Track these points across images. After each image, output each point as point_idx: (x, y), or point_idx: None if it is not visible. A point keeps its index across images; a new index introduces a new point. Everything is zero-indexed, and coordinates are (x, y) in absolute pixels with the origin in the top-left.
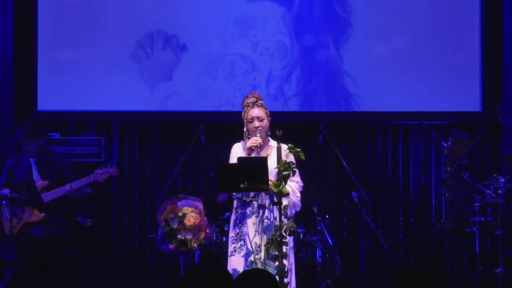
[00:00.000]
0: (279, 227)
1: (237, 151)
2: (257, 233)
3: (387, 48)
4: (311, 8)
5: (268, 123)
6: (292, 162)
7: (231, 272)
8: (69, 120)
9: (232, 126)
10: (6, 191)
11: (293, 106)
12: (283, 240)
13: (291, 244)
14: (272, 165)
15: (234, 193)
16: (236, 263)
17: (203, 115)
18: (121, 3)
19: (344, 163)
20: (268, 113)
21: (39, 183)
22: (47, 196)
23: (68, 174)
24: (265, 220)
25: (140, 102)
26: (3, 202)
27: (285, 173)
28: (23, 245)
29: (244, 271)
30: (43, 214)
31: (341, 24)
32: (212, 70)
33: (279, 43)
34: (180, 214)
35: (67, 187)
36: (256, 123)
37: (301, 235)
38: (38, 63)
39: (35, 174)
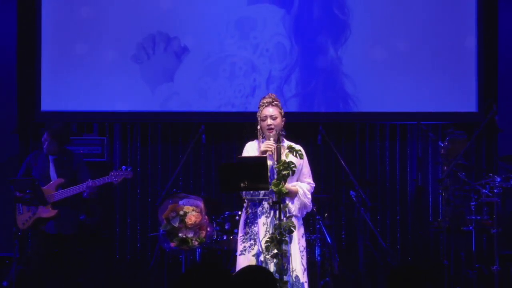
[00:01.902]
0: (279, 226)
1: (249, 150)
2: (267, 233)
3: (385, 49)
4: (310, 10)
5: (282, 123)
6: (291, 162)
7: None
8: (72, 120)
9: (233, 126)
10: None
11: (293, 106)
12: (283, 238)
13: (304, 243)
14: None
15: (244, 193)
16: (245, 262)
17: (203, 116)
18: (123, 5)
19: (342, 162)
20: (282, 113)
21: (55, 180)
22: (61, 194)
23: (83, 174)
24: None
25: (141, 103)
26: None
27: (284, 172)
28: (34, 241)
29: (242, 269)
30: (55, 211)
31: (340, 26)
32: (212, 71)
33: (278, 45)
34: (181, 212)
35: (83, 185)
36: (269, 121)
37: None
38: (41, 63)
39: (52, 172)
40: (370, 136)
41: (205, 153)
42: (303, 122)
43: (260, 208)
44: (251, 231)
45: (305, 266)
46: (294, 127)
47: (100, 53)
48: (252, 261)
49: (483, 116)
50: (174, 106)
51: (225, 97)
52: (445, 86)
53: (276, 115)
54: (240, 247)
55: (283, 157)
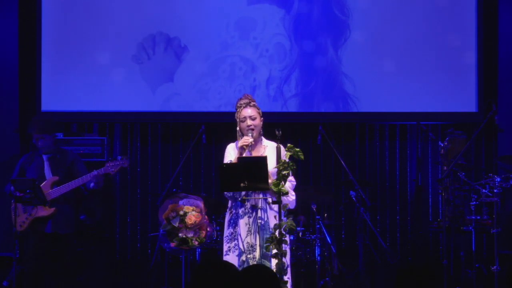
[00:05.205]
0: (279, 226)
1: (230, 151)
2: (249, 233)
3: (385, 49)
4: (310, 10)
5: (261, 122)
6: (291, 162)
7: None
8: (72, 120)
9: (233, 126)
10: (12, 188)
11: (292, 106)
12: (283, 238)
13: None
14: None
15: (226, 192)
16: (230, 262)
17: (204, 116)
18: (123, 5)
19: (342, 162)
20: (260, 113)
21: (50, 178)
22: (57, 191)
23: (80, 168)
24: (259, 221)
25: (142, 103)
26: (12, 200)
27: (284, 172)
28: (31, 240)
29: (246, 267)
30: (52, 209)
31: (340, 26)
32: (212, 72)
33: (278, 45)
34: (181, 212)
35: (80, 180)
36: (249, 122)
37: (300, 233)
38: (42, 64)
39: (47, 170)
40: (369, 136)
41: (205, 153)
42: (303, 122)
43: (242, 209)
44: (235, 232)
45: (289, 263)
46: (294, 127)
47: (101, 53)
48: (235, 261)
49: (483, 116)
50: (175, 106)
51: (225, 97)
52: (445, 86)
53: (255, 116)
54: (225, 247)
55: (260, 154)
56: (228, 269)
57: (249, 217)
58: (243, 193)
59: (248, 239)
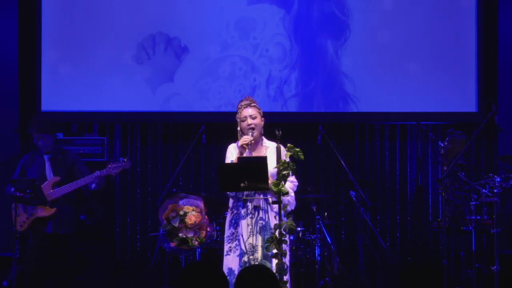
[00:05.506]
0: (279, 226)
1: (232, 151)
2: (251, 234)
3: (385, 49)
4: (310, 10)
5: (262, 122)
6: (291, 162)
7: (226, 271)
8: (72, 120)
9: (233, 126)
10: (13, 188)
11: (292, 106)
12: (283, 238)
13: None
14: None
15: (228, 192)
16: (231, 262)
17: (204, 116)
18: (123, 5)
19: (342, 162)
20: (261, 113)
21: (51, 178)
22: (58, 191)
23: (81, 168)
24: (260, 221)
25: (142, 103)
26: (12, 200)
27: (284, 172)
28: (32, 241)
29: (246, 267)
30: (53, 209)
31: (340, 26)
32: (212, 72)
33: (278, 45)
34: (181, 212)
35: (82, 180)
36: (249, 121)
37: (300, 233)
38: (42, 64)
39: (48, 170)
40: (369, 136)
41: (205, 153)
42: (303, 122)
43: (244, 210)
44: (236, 232)
45: (288, 264)
46: (294, 127)
47: (101, 53)
48: (236, 261)
49: (483, 116)
50: (175, 106)
51: (225, 97)
52: (445, 86)
53: (256, 115)
54: (226, 247)
55: (261, 154)
56: (213, 272)
57: (251, 217)
58: (246, 192)
59: (250, 240)
